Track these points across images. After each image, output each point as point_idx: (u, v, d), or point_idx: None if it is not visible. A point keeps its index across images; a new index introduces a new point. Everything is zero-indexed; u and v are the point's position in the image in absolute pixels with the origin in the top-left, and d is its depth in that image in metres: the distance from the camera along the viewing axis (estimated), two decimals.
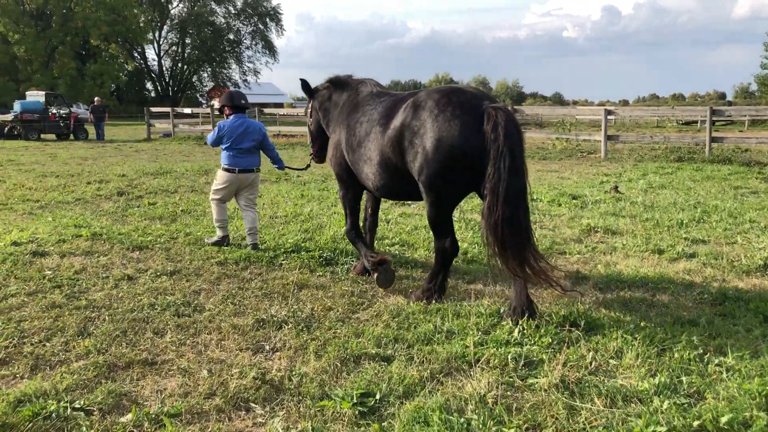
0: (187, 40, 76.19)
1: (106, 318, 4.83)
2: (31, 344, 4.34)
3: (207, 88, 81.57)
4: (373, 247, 6.39)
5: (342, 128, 5.89)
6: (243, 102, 7.18)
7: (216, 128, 7.16)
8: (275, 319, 4.81)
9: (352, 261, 6.48)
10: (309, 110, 6.69)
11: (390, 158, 5.20)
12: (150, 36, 71.58)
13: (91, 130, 30.57)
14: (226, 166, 7.11)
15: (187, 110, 30.25)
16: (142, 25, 65.40)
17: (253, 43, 77.99)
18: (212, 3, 75.82)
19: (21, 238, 7.30)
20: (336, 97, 6.24)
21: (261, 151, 7.34)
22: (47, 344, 4.34)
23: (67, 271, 6.08)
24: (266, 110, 31.80)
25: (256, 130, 7.15)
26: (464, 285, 5.78)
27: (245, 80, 77.51)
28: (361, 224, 6.25)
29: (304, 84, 6.59)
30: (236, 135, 7.01)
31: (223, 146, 7.07)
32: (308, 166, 7.26)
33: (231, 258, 6.56)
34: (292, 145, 23.75)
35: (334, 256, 6.69)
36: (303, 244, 7.14)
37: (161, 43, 75.97)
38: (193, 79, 79.69)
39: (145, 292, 5.48)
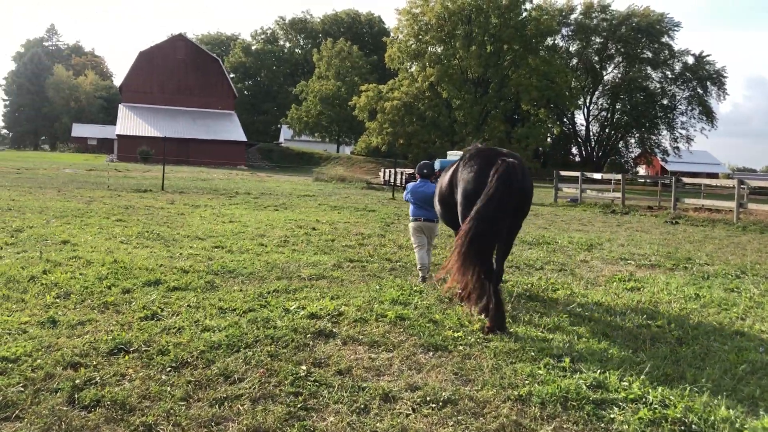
0: (617, 105, 74.30)
1: None
2: None
3: (633, 154, 78.19)
4: None
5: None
6: (425, 171, 8.81)
7: (407, 189, 8.88)
8: None
9: None
10: None
11: (445, 196, 7.21)
12: (580, 101, 71.88)
13: None
14: (412, 217, 8.74)
15: (597, 175, 28.20)
16: (573, 90, 66.00)
17: (689, 108, 72.00)
18: (648, 68, 72.62)
19: (323, 310, 6.32)
20: None
21: None
22: None
23: (327, 371, 4.73)
24: (689, 180, 27.74)
25: (433, 192, 8.28)
26: None
27: (675, 147, 71.88)
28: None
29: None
30: (418, 194, 8.59)
31: (411, 202, 8.76)
32: None
33: (538, 393, 4.41)
34: (712, 222, 19.61)
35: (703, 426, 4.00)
36: (671, 394, 4.55)
37: (590, 107, 75.69)
38: (619, 145, 77.21)
39: None
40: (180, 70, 66.50)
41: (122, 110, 64.15)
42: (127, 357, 4.76)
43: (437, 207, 7.69)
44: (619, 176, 27.64)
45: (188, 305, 6.37)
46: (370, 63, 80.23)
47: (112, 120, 71.55)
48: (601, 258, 11.26)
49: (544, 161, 70.36)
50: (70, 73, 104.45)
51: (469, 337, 5.74)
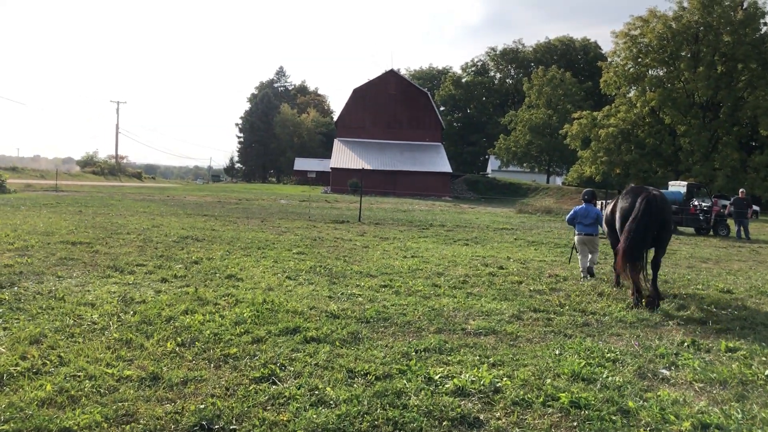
0: None
1: None
2: None
3: None
4: None
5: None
6: (586, 197, 11.51)
7: (572, 211, 11.59)
8: None
9: None
10: None
11: (609, 220, 10.22)
12: None
13: (733, 226, 26.67)
14: (576, 233, 11.43)
15: None
16: None
17: None
18: None
19: (475, 384, 4.89)
20: None
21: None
22: None
23: None
24: None
25: (594, 213, 11.33)
26: None
27: None
28: None
29: None
30: (580, 215, 11.36)
31: (575, 221, 11.46)
32: None
33: None
34: None
35: None
36: None
37: None
38: None
39: None
40: (390, 104, 68.37)
41: (337, 144, 67.39)
42: None
43: (605, 228, 10.69)
44: None
45: (316, 364, 5.32)
46: (584, 89, 76.50)
47: (329, 154, 75.55)
48: None
49: None
50: (295, 111, 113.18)
51: None
